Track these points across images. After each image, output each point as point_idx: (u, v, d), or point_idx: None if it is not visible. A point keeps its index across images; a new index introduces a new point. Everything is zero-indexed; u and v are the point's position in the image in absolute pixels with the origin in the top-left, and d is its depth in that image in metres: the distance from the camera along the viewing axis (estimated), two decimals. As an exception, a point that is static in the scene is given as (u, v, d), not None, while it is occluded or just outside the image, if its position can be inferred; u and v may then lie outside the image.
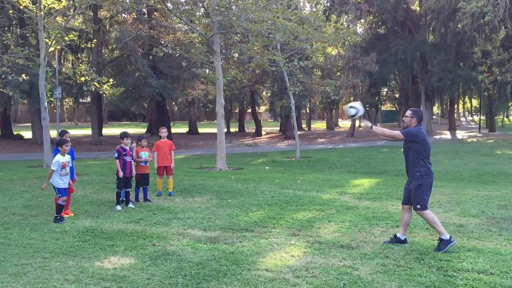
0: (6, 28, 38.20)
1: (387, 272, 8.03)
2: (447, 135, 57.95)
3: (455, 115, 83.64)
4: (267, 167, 26.43)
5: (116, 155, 13.88)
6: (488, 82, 57.52)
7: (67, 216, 12.45)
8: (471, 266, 8.30)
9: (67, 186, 12.12)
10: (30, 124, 49.18)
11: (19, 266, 8.32)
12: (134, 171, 14.21)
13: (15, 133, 51.33)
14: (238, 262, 8.49)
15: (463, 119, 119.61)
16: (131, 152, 14.04)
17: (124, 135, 14.15)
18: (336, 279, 7.69)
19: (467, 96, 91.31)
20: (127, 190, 13.95)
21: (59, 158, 12.03)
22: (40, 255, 9.00)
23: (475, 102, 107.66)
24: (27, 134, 50.15)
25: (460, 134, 60.48)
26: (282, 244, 9.70)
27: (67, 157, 12.27)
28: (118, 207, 13.50)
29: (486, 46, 60.98)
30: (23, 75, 27.74)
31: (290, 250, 9.25)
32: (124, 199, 13.91)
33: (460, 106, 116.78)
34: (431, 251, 9.14)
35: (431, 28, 63.11)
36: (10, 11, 27.17)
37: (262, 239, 10.09)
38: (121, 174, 13.67)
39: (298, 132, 37.23)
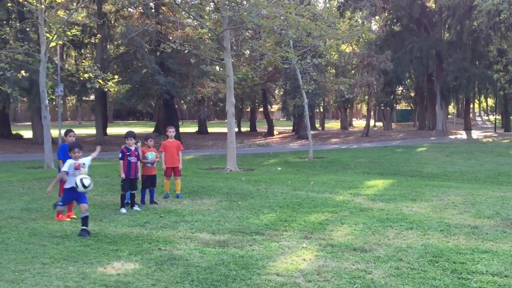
0: (5, 22, 38.21)
1: (401, 275, 8.06)
2: (462, 135, 57.90)
3: (471, 115, 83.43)
4: (279, 168, 26.42)
5: (120, 155, 13.83)
6: (504, 81, 57.34)
7: (69, 219, 12.44)
8: (485, 268, 8.33)
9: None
10: (30, 123, 49.22)
11: (17, 272, 8.26)
12: (140, 173, 14.19)
13: (14, 132, 51.38)
14: (247, 266, 8.48)
15: (478, 118, 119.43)
16: (136, 153, 13.99)
17: (128, 134, 14.11)
18: (348, 283, 7.71)
19: (482, 95, 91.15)
20: (133, 192, 13.93)
21: (71, 161, 11.27)
22: (39, 260, 8.94)
23: (490, 102, 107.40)
24: (27, 134, 50.21)
25: (475, 134, 60.53)
26: (293, 248, 9.69)
27: (82, 160, 11.43)
28: (123, 210, 13.44)
29: (502, 44, 60.91)
30: (23, 72, 27.64)
31: (301, 254, 9.25)
32: (129, 201, 13.89)
33: (476, 105, 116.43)
34: (446, 253, 9.14)
35: (446, 26, 63.39)
36: (9, 4, 27.16)
37: (273, 243, 10.08)
38: (122, 175, 13.65)
39: (311, 132, 37.16)
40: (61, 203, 11.54)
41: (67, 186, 11.30)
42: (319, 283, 7.70)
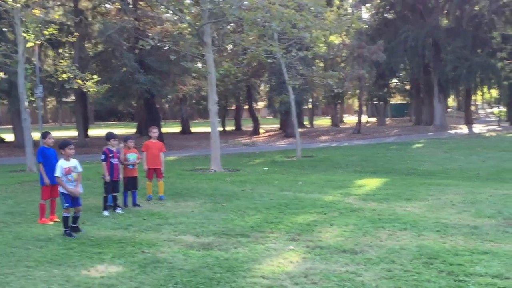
0: (-20, 23, 38.18)
1: (393, 277, 8.13)
2: (463, 129, 57.78)
3: (472, 108, 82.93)
4: (266, 168, 26.51)
5: (103, 157, 13.99)
6: (509, 70, 57.22)
7: (52, 222, 12.63)
8: (484, 270, 8.36)
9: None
10: (12, 126, 49.17)
11: (2, 275, 8.52)
12: (121, 174, 14.39)
13: (-5, 136, 51.46)
14: (232, 269, 8.63)
15: (481, 111, 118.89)
16: (118, 154, 14.21)
17: (110, 136, 14.29)
18: (337, 285, 7.83)
19: (485, 86, 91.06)
20: (115, 194, 14.10)
21: (61, 163, 11.58)
22: (24, 264, 9.19)
23: (494, 93, 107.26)
24: (9, 137, 50.11)
25: (477, 128, 60.25)
26: (280, 250, 9.84)
27: (73, 162, 11.72)
28: (106, 213, 13.64)
29: (506, 29, 60.40)
30: (1, 74, 27.73)
31: (288, 256, 9.39)
32: (112, 204, 14.06)
33: (478, 97, 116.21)
34: (442, 255, 9.19)
35: (444, 12, 62.67)
36: (-16, 4, 27.18)
37: (259, 245, 10.23)
38: (107, 178, 13.81)
39: (299, 130, 37.27)
40: (67, 205, 11.34)
41: (62, 190, 11.51)
42: (306, 286, 7.84)
